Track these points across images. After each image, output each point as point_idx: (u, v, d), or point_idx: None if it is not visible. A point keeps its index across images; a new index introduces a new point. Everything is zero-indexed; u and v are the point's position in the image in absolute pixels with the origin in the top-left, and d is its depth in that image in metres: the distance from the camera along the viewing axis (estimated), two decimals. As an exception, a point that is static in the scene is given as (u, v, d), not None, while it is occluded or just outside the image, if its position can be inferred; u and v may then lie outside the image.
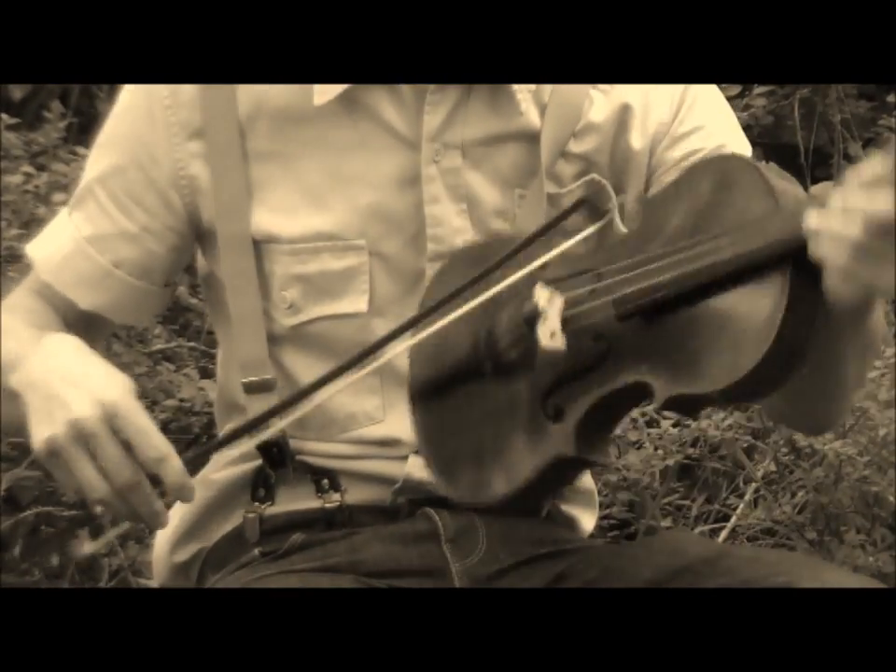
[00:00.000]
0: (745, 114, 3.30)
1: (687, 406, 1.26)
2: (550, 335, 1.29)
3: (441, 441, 1.39)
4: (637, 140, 1.42)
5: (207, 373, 2.68)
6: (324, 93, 1.37)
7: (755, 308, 1.17)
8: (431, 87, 1.37)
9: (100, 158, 1.46)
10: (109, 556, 2.58)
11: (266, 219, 1.41)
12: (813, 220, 1.15)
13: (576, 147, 1.43)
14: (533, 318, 1.31)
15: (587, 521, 1.52)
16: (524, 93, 1.40)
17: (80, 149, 2.93)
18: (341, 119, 1.40)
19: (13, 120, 3.04)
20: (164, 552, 1.51)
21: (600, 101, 1.43)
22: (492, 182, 1.41)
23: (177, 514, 1.50)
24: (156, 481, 1.23)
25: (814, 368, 1.24)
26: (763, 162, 1.24)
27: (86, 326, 1.44)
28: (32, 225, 2.84)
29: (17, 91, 3.41)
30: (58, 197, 2.85)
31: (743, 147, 1.42)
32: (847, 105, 3.85)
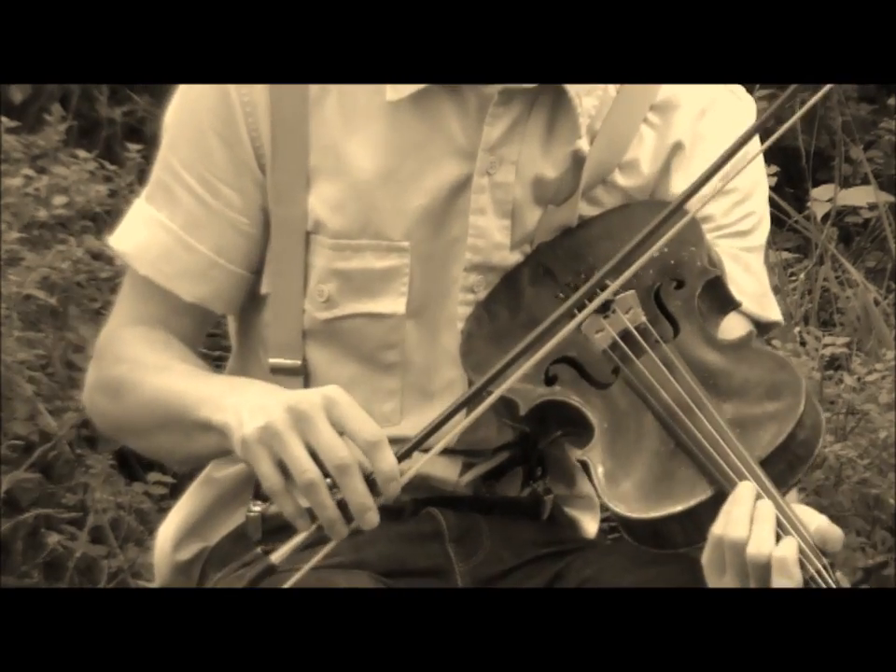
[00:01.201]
0: None
1: None
2: None
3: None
4: (675, 186, 1.43)
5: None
6: (398, 91, 1.37)
7: (682, 485, 1.28)
8: (496, 98, 1.37)
9: (180, 142, 1.43)
10: (108, 558, 2.56)
11: (316, 209, 1.40)
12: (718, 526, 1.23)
13: (620, 179, 1.44)
14: None
15: (589, 523, 1.52)
16: (584, 117, 1.41)
17: (80, 152, 2.98)
18: (405, 119, 1.39)
19: (13, 123, 3.04)
20: (166, 550, 1.50)
21: (650, 136, 1.44)
22: (536, 202, 1.41)
23: (180, 512, 1.52)
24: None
25: None
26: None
27: (190, 319, 1.44)
28: (32, 228, 2.86)
29: (17, 94, 3.40)
30: (59, 200, 2.88)
31: (764, 222, 1.46)
32: (849, 108, 3.84)
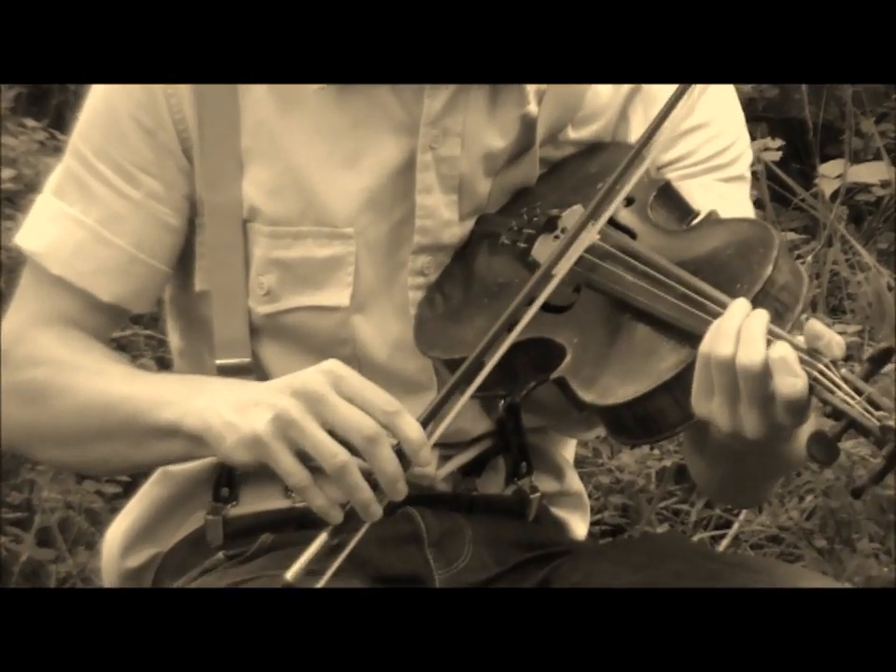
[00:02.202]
0: (749, 86, 3.38)
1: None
2: None
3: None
4: (636, 132, 1.46)
5: (164, 363, 2.67)
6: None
7: (663, 356, 1.34)
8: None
9: (93, 130, 1.45)
10: (57, 563, 2.56)
11: (250, 194, 1.43)
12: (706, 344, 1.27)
13: (572, 133, 1.48)
14: None
15: (578, 525, 1.56)
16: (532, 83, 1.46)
17: (29, 121, 3.07)
18: (337, 100, 1.41)
19: None
20: (114, 556, 1.51)
21: (605, 87, 1.48)
22: (486, 172, 1.44)
23: (130, 514, 1.52)
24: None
25: (728, 476, 1.43)
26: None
27: (107, 318, 1.46)
28: None
29: None
30: (6, 173, 2.92)
31: (744, 153, 1.49)
32: None
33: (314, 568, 1.27)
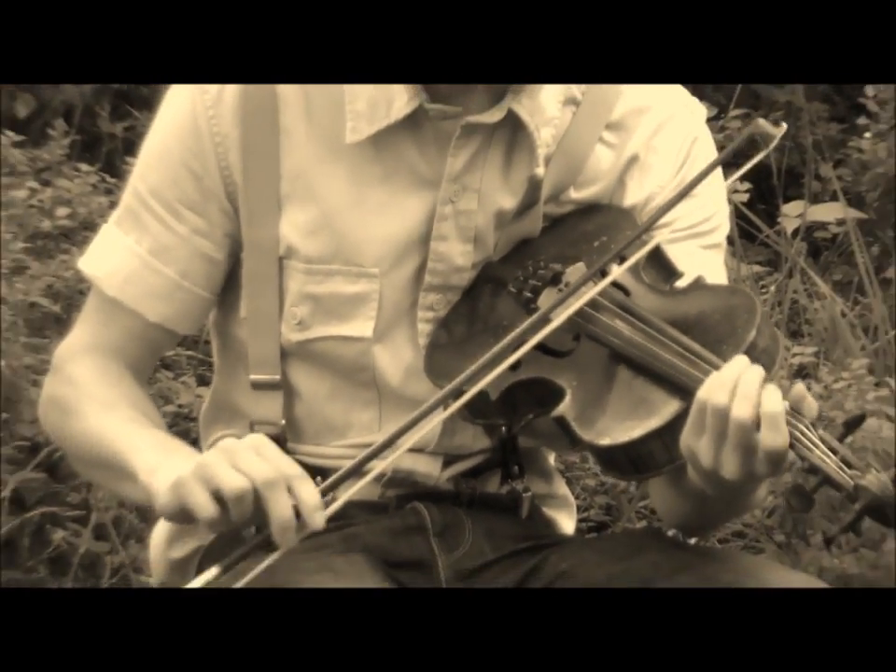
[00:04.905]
0: (721, 135, 3.26)
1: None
2: None
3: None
4: (631, 197, 1.46)
5: (204, 381, 2.68)
6: (355, 132, 1.40)
7: (656, 405, 1.32)
8: (458, 132, 1.39)
9: (149, 171, 1.45)
10: (111, 554, 2.58)
11: (287, 235, 1.42)
12: (703, 391, 1.24)
13: (574, 194, 1.46)
14: None
15: (566, 522, 1.55)
16: (542, 148, 1.42)
17: (83, 166, 3.06)
18: (369, 155, 1.41)
19: (18, 137, 3.07)
20: (161, 548, 1.51)
21: (606, 154, 1.46)
22: (496, 225, 1.43)
23: None
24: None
25: (693, 513, 1.39)
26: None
27: (153, 338, 1.47)
28: (36, 238, 2.88)
29: (22, 109, 3.40)
30: (62, 211, 2.90)
31: (723, 224, 1.48)
32: (819, 128, 3.84)
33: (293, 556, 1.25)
